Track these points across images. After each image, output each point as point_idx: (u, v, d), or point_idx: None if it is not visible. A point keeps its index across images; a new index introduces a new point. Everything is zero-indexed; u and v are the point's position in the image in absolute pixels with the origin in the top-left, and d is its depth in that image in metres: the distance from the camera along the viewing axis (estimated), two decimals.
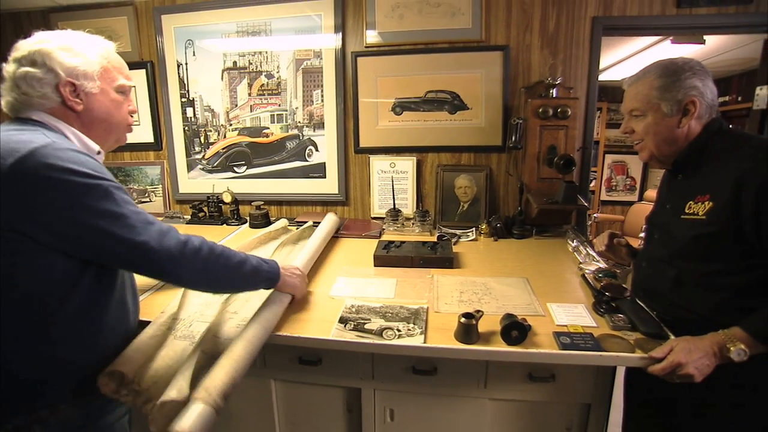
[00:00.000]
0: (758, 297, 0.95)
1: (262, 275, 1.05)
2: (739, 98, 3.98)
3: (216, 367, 0.85)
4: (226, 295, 1.22)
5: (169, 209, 2.36)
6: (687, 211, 1.04)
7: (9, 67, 0.84)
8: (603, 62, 1.96)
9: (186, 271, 0.86)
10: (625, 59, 3.40)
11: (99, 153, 0.92)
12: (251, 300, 1.21)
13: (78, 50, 0.87)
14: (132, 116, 1.00)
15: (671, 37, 2.73)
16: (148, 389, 0.87)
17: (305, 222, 1.91)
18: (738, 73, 3.97)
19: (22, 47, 0.84)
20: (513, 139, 1.82)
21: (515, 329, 1.02)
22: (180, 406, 0.78)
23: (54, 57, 0.83)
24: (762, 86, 2.06)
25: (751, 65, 3.65)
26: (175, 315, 1.12)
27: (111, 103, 0.92)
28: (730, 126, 1.06)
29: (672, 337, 1.02)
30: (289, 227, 1.93)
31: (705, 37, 2.77)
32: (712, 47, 3.04)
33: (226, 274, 0.95)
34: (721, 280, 1.01)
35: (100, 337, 0.87)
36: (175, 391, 0.80)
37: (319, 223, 1.79)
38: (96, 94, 0.89)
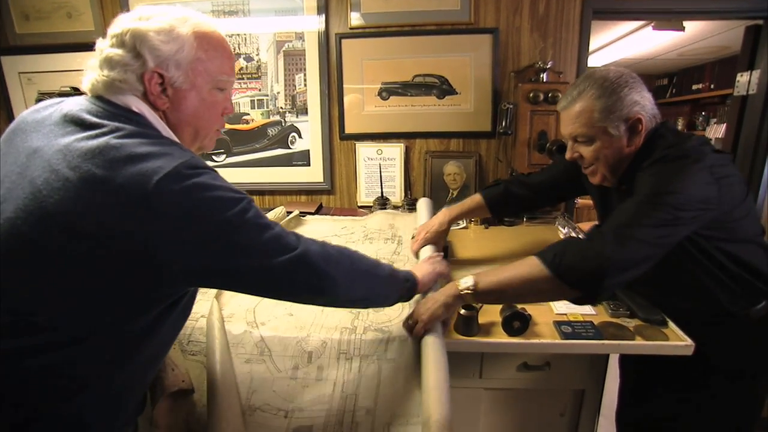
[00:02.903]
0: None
1: (400, 279, 0.91)
2: (712, 86, 4.07)
3: (427, 396, 0.75)
4: (212, 292, 1.12)
5: None
6: None
7: (101, 44, 0.69)
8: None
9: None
10: (609, 44, 3.43)
11: None
12: (237, 294, 1.13)
13: (173, 33, 0.69)
14: (223, 118, 0.81)
15: (653, 24, 2.75)
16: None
17: (292, 212, 1.83)
18: (711, 60, 4.06)
19: (118, 23, 0.69)
20: (503, 124, 1.79)
21: (517, 320, 0.99)
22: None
23: (147, 40, 0.67)
24: (742, 72, 2.09)
25: (724, 53, 3.74)
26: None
27: (202, 102, 0.73)
28: (666, 130, 1.01)
29: (670, 322, 1.03)
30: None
31: (685, 23, 2.81)
32: (690, 34, 3.09)
33: (367, 278, 0.83)
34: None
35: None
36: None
37: (305, 213, 1.72)
38: (186, 90, 0.71)
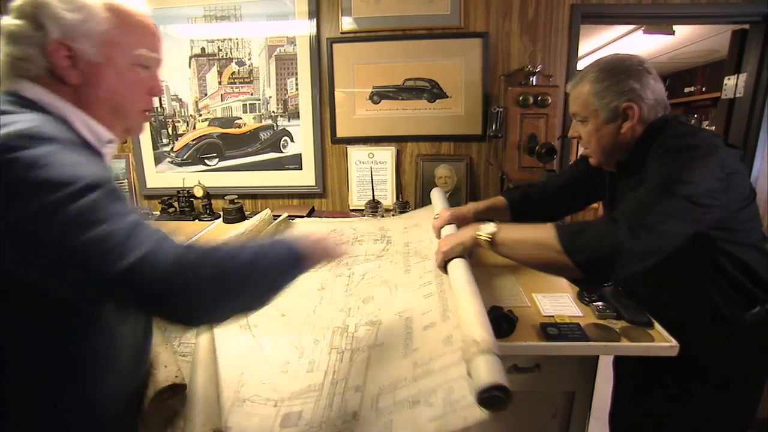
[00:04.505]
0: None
1: (293, 254, 0.72)
2: (703, 89, 4.11)
3: (465, 321, 0.76)
4: None
5: (137, 205, 2.24)
6: None
7: (3, 20, 0.64)
8: (579, 51, 1.97)
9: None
10: (599, 49, 3.45)
11: (111, 142, 0.72)
12: None
13: (79, 2, 0.64)
14: (152, 99, 0.76)
15: (643, 28, 2.78)
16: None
17: (279, 215, 1.83)
18: (702, 64, 4.10)
19: None
20: (493, 127, 1.80)
21: (504, 322, 0.99)
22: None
23: (48, 8, 0.62)
24: (730, 76, 2.12)
25: (714, 57, 3.78)
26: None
27: (120, 78, 0.68)
28: (676, 122, 1.01)
29: (656, 324, 1.03)
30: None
31: (675, 28, 2.84)
32: (680, 38, 3.12)
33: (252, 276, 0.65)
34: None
35: None
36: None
37: (294, 216, 1.72)
38: (100, 64, 0.66)
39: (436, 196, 1.62)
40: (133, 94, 0.72)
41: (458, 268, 0.96)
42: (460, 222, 1.31)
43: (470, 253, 1.04)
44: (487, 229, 0.99)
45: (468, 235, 1.02)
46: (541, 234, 0.93)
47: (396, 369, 0.82)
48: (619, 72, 0.99)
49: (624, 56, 1.02)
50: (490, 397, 0.62)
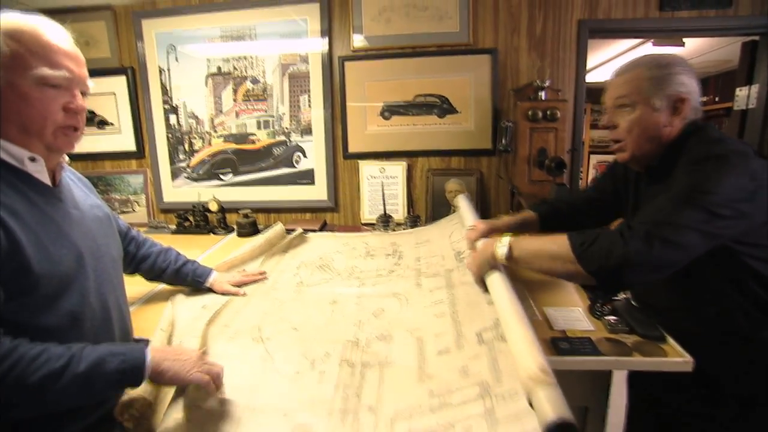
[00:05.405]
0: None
1: (109, 375, 0.69)
2: (717, 98, 4.08)
3: (519, 349, 0.77)
4: (215, 307, 1.16)
5: (154, 219, 2.30)
6: None
7: None
8: (588, 64, 1.98)
9: None
10: (608, 61, 3.46)
11: (34, 160, 0.76)
12: (242, 311, 1.17)
13: None
14: (76, 116, 0.78)
15: (652, 40, 2.79)
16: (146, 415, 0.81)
17: (293, 230, 1.86)
18: (714, 74, 4.08)
19: None
20: (503, 142, 1.82)
21: None
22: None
23: None
24: (741, 87, 2.11)
25: (727, 67, 3.75)
26: (170, 332, 1.07)
27: (22, 99, 0.71)
28: (708, 127, 1.00)
29: (668, 338, 1.02)
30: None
31: (685, 39, 2.84)
32: (691, 50, 3.12)
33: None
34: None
35: None
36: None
37: (308, 230, 1.75)
38: (1, 88, 0.70)
39: (465, 205, 1.61)
40: (42, 114, 0.73)
41: (498, 286, 0.99)
42: (494, 234, 1.30)
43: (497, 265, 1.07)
44: (502, 249, 1.02)
45: (489, 253, 1.05)
46: (555, 246, 0.94)
47: (411, 394, 0.82)
48: (676, 64, 0.98)
49: (674, 54, 1.02)
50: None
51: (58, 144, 0.77)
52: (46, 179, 0.79)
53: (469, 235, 1.32)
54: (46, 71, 0.72)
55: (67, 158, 0.86)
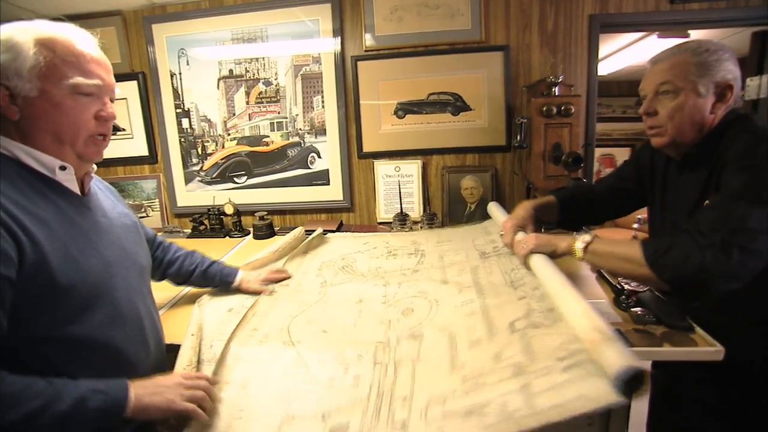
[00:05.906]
0: None
1: (89, 413, 0.66)
2: None
3: (577, 313, 0.82)
4: (242, 311, 1.17)
5: (168, 224, 2.31)
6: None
7: None
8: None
9: None
10: (612, 54, 3.47)
11: (64, 169, 0.76)
12: (269, 314, 1.17)
13: (9, 43, 0.68)
14: (107, 123, 0.79)
15: (657, 32, 2.79)
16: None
17: (313, 230, 1.87)
18: None
19: None
20: (518, 138, 1.83)
21: None
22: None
23: None
24: (752, 77, 2.12)
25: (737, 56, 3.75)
26: (200, 336, 1.08)
27: (57, 108, 0.72)
28: (751, 116, 1.02)
29: (696, 327, 1.01)
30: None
31: (689, 30, 2.84)
32: None
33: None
34: None
35: None
36: None
37: (327, 231, 1.75)
38: (35, 97, 0.70)
39: (494, 208, 1.66)
40: (76, 122, 0.74)
41: (547, 266, 1.05)
42: (524, 224, 1.31)
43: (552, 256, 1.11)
44: (584, 239, 1.04)
45: (565, 244, 1.08)
46: (629, 251, 0.95)
47: (444, 382, 0.84)
48: (723, 50, 0.96)
49: (716, 41, 1.00)
50: (628, 381, 0.65)
51: (88, 153, 0.79)
52: (76, 188, 0.80)
53: (505, 240, 1.31)
54: (80, 80, 0.73)
55: (95, 167, 0.86)
